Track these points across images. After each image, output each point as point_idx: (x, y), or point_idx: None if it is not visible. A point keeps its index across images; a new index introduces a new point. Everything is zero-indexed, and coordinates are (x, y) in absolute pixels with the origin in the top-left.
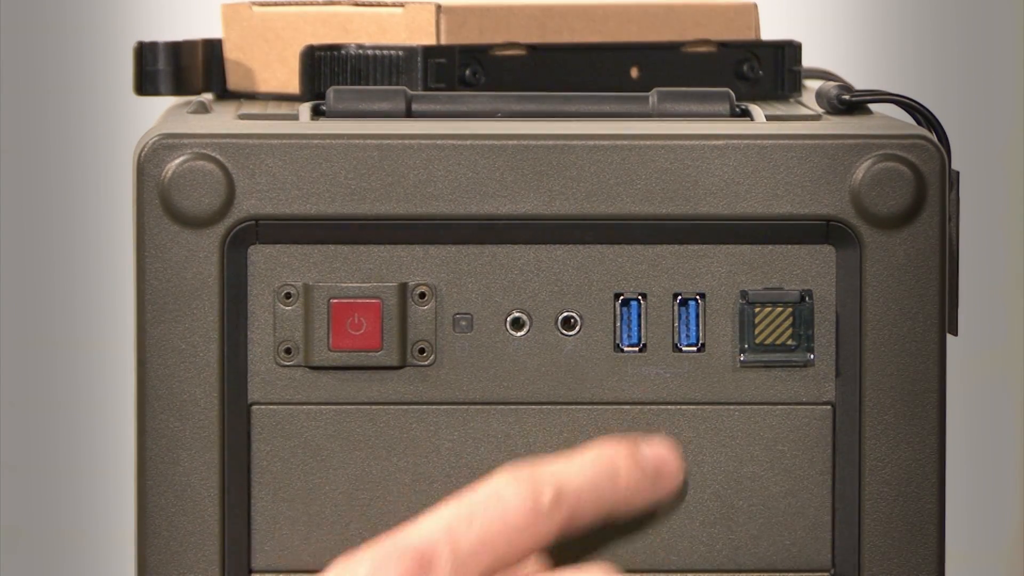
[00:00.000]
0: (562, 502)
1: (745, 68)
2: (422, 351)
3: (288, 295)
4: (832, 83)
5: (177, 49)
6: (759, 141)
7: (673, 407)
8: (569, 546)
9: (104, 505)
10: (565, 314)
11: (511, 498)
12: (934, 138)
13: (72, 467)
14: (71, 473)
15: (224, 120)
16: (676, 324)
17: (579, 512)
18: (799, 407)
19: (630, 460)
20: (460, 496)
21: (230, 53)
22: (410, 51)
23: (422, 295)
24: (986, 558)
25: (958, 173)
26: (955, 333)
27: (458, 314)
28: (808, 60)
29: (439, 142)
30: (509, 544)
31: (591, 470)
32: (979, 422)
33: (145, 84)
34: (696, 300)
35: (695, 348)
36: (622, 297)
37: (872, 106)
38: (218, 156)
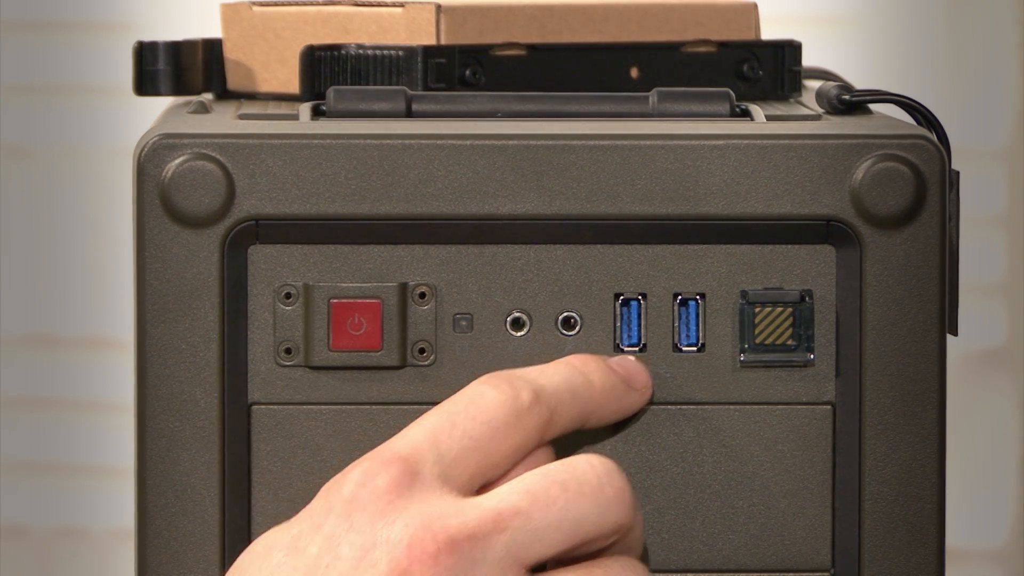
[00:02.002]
0: (541, 401)
1: (745, 68)
2: (422, 351)
3: (288, 295)
4: (832, 83)
5: (177, 49)
6: (759, 141)
7: (673, 407)
8: None
9: (105, 504)
10: (565, 314)
11: (491, 400)
12: (934, 138)
13: (73, 466)
14: (72, 472)
15: (224, 120)
16: (676, 324)
17: (558, 412)
18: (799, 407)
19: (602, 365)
20: (441, 404)
21: (230, 53)
22: (410, 51)
23: (422, 295)
24: (986, 558)
25: (958, 173)
26: (955, 333)
27: (458, 314)
28: (808, 60)
29: (439, 142)
30: (493, 445)
31: (566, 372)
32: (975, 421)
33: (145, 84)
34: (696, 300)
35: (695, 348)
36: (622, 297)
37: (872, 106)
38: (218, 156)
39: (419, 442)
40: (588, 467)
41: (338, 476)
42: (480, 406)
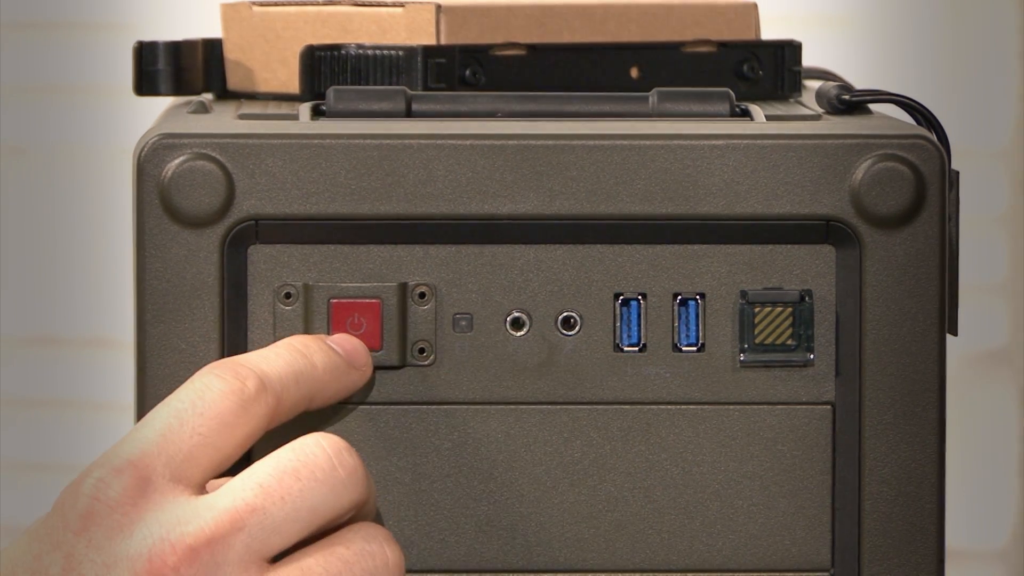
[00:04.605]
0: (267, 388)
1: (745, 68)
2: (422, 351)
3: (288, 295)
4: (832, 83)
5: (177, 49)
6: (759, 141)
7: (673, 407)
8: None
9: None
10: (565, 314)
11: (217, 392)
12: (934, 138)
13: (73, 466)
14: (72, 472)
15: (224, 120)
16: (676, 324)
17: (283, 397)
18: (799, 407)
19: (323, 345)
20: (168, 400)
21: (230, 53)
22: (410, 51)
23: (422, 295)
24: (986, 558)
25: (958, 173)
26: (955, 333)
27: (458, 314)
28: (808, 60)
29: (439, 142)
30: (223, 439)
31: (288, 356)
32: (977, 421)
33: (145, 84)
34: (696, 300)
35: (695, 348)
36: (622, 297)
37: (872, 106)
38: (218, 156)
39: (149, 445)
40: (319, 450)
41: (71, 487)
42: (207, 400)
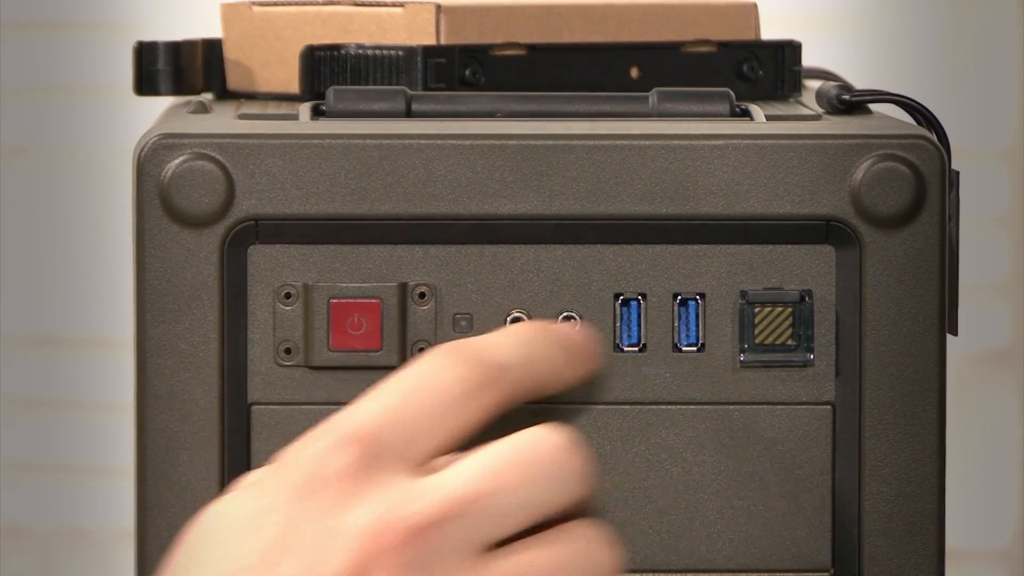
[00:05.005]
0: (499, 375)
1: (745, 68)
2: (422, 351)
3: (288, 295)
4: (832, 83)
5: (177, 49)
6: (759, 141)
7: (673, 407)
8: None
9: (105, 504)
10: (565, 314)
11: (446, 373)
12: (934, 138)
13: (73, 466)
14: (72, 472)
15: (224, 120)
16: (676, 324)
17: (514, 385)
18: (799, 407)
19: (554, 335)
20: (399, 376)
21: (230, 53)
22: (410, 51)
23: (422, 295)
24: (986, 558)
25: (958, 173)
26: (955, 333)
27: (458, 314)
28: (808, 60)
29: (439, 142)
30: (451, 421)
31: (520, 343)
32: (979, 421)
33: (145, 84)
34: (696, 300)
35: (695, 348)
36: (622, 297)
37: (872, 106)
38: (218, 156)
39: (377, 420)
40: (548, 442)
41: (294, 452)
42: (438, 382)
